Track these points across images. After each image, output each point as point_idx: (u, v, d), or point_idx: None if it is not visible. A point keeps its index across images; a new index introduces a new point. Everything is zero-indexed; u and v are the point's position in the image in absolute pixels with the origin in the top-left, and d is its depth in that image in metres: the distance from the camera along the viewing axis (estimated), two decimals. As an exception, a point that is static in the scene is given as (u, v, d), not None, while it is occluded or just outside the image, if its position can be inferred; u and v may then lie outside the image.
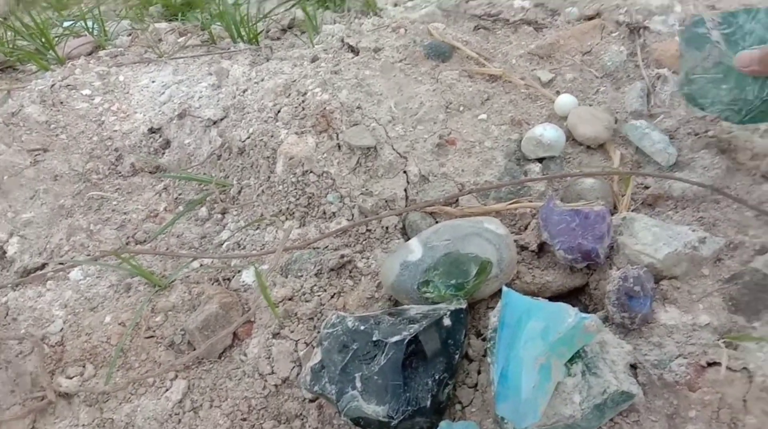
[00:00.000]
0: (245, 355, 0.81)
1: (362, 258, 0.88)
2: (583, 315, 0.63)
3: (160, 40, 1.65)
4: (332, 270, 0.86)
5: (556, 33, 1.16)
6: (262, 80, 1.13)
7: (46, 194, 1.13)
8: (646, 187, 0.91)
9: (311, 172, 0.94)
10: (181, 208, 1.07)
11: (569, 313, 0.63)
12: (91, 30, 1.66)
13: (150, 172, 1.20)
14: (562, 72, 1.09)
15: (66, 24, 1.75)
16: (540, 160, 0.96)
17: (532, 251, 0.83)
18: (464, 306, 0.73)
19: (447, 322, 0.70)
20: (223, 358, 0.83)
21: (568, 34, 1.13)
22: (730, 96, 0.78)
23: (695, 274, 0.76)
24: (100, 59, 1.50)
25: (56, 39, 1.57)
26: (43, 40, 1.52)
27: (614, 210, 0.88)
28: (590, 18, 1.18)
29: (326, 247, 0.90)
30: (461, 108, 1.04)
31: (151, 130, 1.24)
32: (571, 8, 1.24)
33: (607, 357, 0.65)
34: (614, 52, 1.09)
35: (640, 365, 0.69)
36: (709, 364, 0.67)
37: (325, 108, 0.99)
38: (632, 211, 0.87)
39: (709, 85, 0.80)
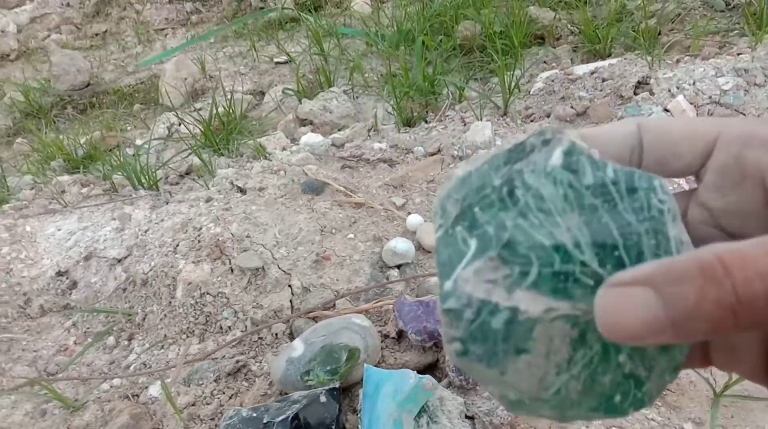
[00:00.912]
0: (154, 458, 0.92)
1: (255, 362, 1.04)
2: (421, 376, 0.82)
3: (64, 191, 1.81)
4: (229, 374, 1.01)
5: (406, 167, 1.45)
6: (162, 220, 1.31)
7: (-45, 340, 1.20)
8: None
9: (208, 293, 1.11)
10: (90, 339, 1.18)
11: (411, 376, 0.82)
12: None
13: (58, 312, 1.31)
14: (412, 197, 1.36)
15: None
16: (398, 266, 1.19)
17: (393, 338, 1.03)
18: (337, 385, 0.90)
19: (323, 399, 0.87)
20: (133, 465, 0.93)
21: (415, 168, 1.43)
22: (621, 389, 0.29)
23: (514, 341, 0.99)
24: (5, 213, 1.62)
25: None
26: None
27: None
28: (433, 154, 1.50)
29: (223, 356, 1.05)
30: (333, 230, 1.27)
31: (59, 273, 1.36)
32: (419, 147, 1.55)
33: (445, 408, 0.84)
34: (451, 178, 1.39)
35: (477, 416, 0.88)
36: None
37: (218, 239, 1.18)
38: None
39: (585, 384, 0.29)
